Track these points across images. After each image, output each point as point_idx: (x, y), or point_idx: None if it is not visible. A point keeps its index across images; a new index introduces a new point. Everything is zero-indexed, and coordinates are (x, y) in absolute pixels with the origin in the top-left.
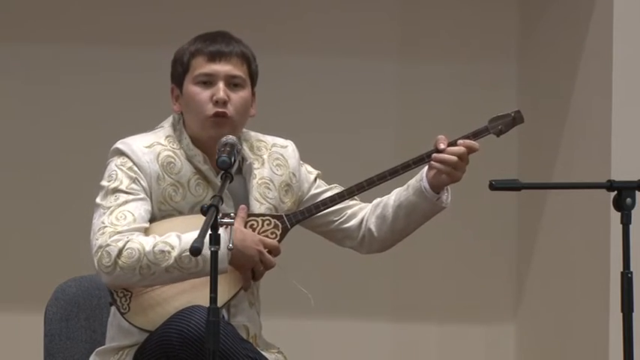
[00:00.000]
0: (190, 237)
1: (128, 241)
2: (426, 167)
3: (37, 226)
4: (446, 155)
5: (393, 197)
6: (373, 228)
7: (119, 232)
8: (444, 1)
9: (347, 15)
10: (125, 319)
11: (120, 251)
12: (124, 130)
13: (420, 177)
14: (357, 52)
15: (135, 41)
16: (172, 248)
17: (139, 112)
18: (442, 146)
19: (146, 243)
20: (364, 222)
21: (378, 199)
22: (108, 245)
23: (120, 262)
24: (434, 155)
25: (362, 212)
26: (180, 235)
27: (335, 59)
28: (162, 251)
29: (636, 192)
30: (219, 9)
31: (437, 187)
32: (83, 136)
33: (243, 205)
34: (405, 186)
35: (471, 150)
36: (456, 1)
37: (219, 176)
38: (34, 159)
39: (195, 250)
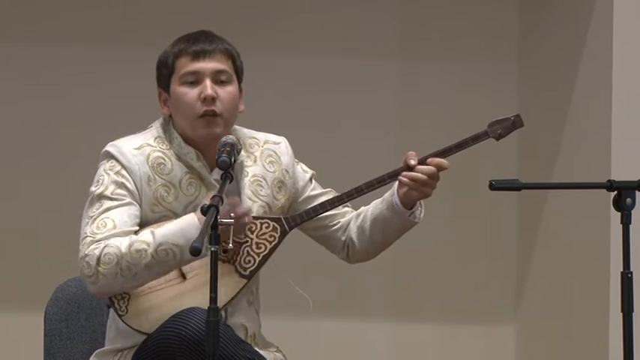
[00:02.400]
0: (163, 230)
1: (105, 247)
2: (397, 183)
3: (37, 226)
4: (414, 173)
5: (371, 209)
6: (354, 238)
7: (97, 241)
8: (444, 1)
9: (347, 15)
10: (123, 321)
11: (98, 259)
12: (124, 130)
13: (392, 192)
14: (357, 51)
15: (135, 41)
16: (148, 245)
17: (138, 112)
18: (412, 162)
19: (122, 245)
20: (347, 232)
21: (361, 209)
22: (87, 255)
23: (100, 269)
24: (403, 173)
25: (348, 222)
26: (153, 231)
27: (335, 59)
28: (139, 250)
29: (636, 192)
30: (219, 9)
31: (408, 203)
32: (83, 136)
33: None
34: (381, 199)
35: (440, 168)
36: (456, 1)
37: (220, 176)
38: (34, 159)
39: (195, 250)
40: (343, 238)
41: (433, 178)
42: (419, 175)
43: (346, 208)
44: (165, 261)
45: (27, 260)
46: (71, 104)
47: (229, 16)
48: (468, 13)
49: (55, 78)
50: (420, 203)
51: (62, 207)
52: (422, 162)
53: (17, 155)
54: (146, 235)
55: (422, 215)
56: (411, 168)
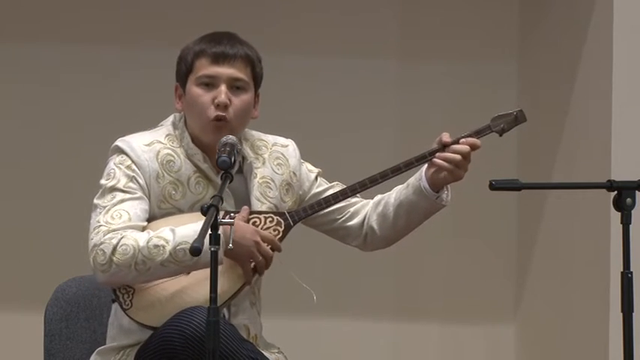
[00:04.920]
0: (184, 230)
1: (122, 238)
2: (425, 166)
3: (37, 226)
4: (449, 153)
5: (394, 195)
6: (375, 226)
7: (113, 231)
8: (444, 1)
9: (347, 15)
10: (127, 315)
11: (114, 248)
12: (124, 129)
13: (420, 176)
14: (357, 52)
15: (136, 41)
16: (167, 242)
17: (139, 112)
18: (448, 140)
19: (140, 238)
20: (366, 220)
21: (379, 197)
22: (102, 243)
23: (115, 258)
24: (438, 154)
25: (364, 210)
26: (174, 229)
27: (335, 59)
28: (157, 246)
29: (636, 192)
30: (221, 9)
31: (437, 185)
32: (83, 135)
33: (245, 207)
34: (405, 184)
35: (474, 148)
36: (456, 1)
37: (220, 176)
38: (35, 159)
39: (195, 250)
40: (356, 227)
41: (466, 158)
42: (453, 155)
43: (355, 199)
44: (182, 261)
45: (27, 260)
46: (70, 104)
47: (229, 16)
48: (468, 13)
49: (55, 78)
50: (446, 187)
51: (62, 207)
52: (454, 143)
53: (17, 155)
54: (166, 232)
55: (449, 198)
56: (446, 146)
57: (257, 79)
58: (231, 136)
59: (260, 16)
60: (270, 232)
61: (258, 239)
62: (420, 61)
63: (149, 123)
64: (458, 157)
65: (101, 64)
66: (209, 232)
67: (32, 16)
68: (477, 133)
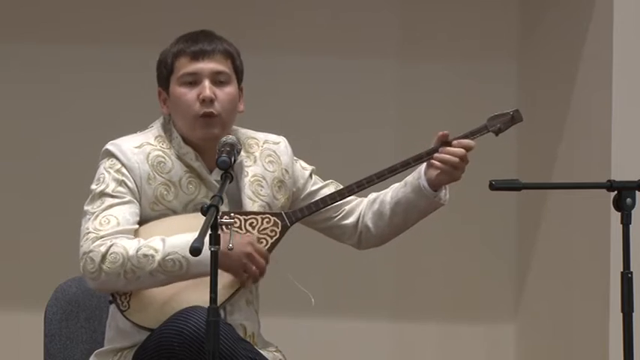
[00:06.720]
0: (174, 240)
1: (111, 246)
2: (424, 165)
3: (37, 226)
4: (447, 155)
5: (390, 194)
6: (370, 224)
7: (102, 237)
8: (444, 1)
9: (347, 15)
10: (125, 316)
11: (103, 256)
12: (124, 129)
13: (419, 175)
14: (357, 52)
15: (135, 41)
16: (156, 252)
17: (138, 112)
18: (446, 135)
19: (130, 247)
20: (361, 218)
21: (374, 195)
22: (91, 251)
23: (104, 267)
24: (435, 155)
25: (358, 208)
26: (164, 239)
27: (335, 59)
28: (146, 255)
29: (636, 192)
30: (218, 9)
31: (435, 185)
32: (83, 135)
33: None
34: (403, 183)
35: (468, 149)
36: (456, 1)
37: (220, 176)
38: (35, 158)
39: (195, 250)
40: (351, 225)
41: (463, 160)
42: (451, 157)
43: (350, 197)
44: (171, 271)
45: (27, 260)
46: (70, 104)
47: (228, 16)
48: (468, 13)
49: (55, 78)
50: (445, 186)
51: (62, 207)
52: (448, 145)
53: (17, 155)
54: (156, 241)
55: (447, 197)
56: (444, 143)
57: (238, 72)
58: (231, 136)
59: (260, 16)
60: (267, 233)
61: (251, 250)
62: (420, 61)
63: (148, 123)
64: (455, 159)
65: (101, 64)
66: (209, 232)
67: (32, 16)
68: (473, 134)
